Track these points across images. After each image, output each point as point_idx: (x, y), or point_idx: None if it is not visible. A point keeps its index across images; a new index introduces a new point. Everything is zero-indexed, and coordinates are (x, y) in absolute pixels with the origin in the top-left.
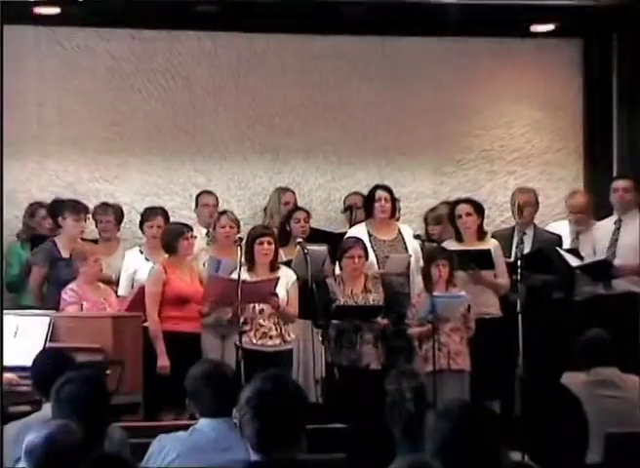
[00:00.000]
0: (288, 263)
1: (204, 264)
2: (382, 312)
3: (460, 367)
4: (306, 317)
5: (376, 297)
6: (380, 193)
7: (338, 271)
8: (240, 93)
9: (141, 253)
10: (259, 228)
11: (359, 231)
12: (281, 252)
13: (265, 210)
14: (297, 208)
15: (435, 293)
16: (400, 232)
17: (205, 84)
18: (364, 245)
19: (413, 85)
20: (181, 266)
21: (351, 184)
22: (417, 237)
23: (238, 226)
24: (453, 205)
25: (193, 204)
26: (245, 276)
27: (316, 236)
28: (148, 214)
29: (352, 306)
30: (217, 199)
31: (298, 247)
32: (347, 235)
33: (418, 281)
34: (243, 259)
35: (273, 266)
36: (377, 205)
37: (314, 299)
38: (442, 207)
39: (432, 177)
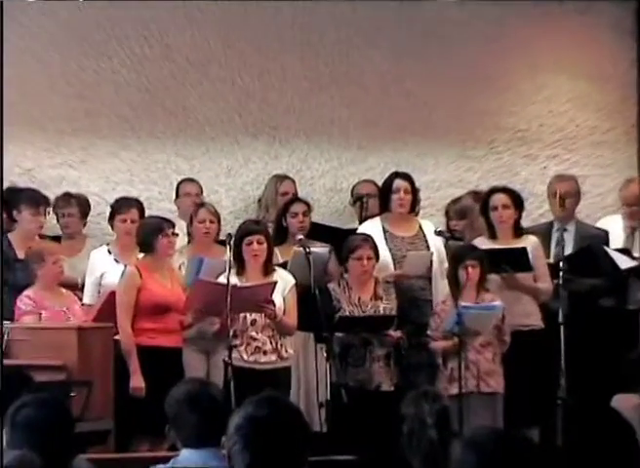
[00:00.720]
0: (284, 265)
1: (180, 267)
2: (395, 323)
3: (493, 388)
4: (307, 329)
5: (387, 306)
6: (398, 183)
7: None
8: (229, 63)
9: (110, 252)
10: (247, 224)
11: (373, 227)
12: (277, 251)
13: (260, 201)
14: (294, 199)
15: (463, 303)
16: (421, 228)
17: (188, 52)
18: (374, 243)
19: (434, 55)
20: (160, 269)
21: (362, 171)
22: (439, 233)
23: (219, 221)
24: (486, 195)
25: (173, 194)
26: (234, 280)
27: (318, 233)
28: (120, 205)
29: (359, 317)
30: (201, 188)
31: (295, 246)
32: (359, 231)
33: (442, 286)
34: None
35: (267, 269)
36: (394, 197)
37: (317, 308)
38: (467, 197)
39: (458, 163)
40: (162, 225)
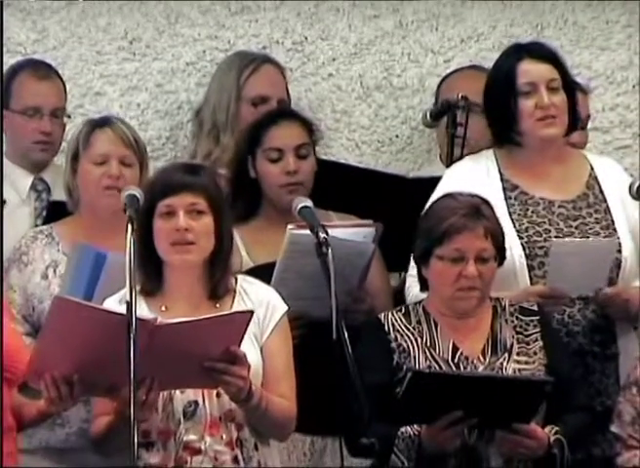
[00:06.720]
0: (255, 272)
1: (49, 274)
2: (544, 403)
3: None
4: (320, 428)
5: (525, 367)
6: (531, 67)
7: (411, 292)
8: None
9: None
10: (168, 173)
11: (475, 176)
12: (238, 239)
13: (198, 114)
14: (278, 112)
15: None
16: (597, 180)
17: None
18: (494, 220)
19: None
20: None
21: (452, 46)
22: None
23: (143, 163)
24: None
25: None
26: (148, 311)
27: (343, 189)
28: None
29: (461, 376)
30: (63, 87)
31: (288, 230)
32: (447, 185)
33: None
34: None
35: (216, 283)
36: (526, 104)
37: (348, 372)
38: None
39: None
40: None
